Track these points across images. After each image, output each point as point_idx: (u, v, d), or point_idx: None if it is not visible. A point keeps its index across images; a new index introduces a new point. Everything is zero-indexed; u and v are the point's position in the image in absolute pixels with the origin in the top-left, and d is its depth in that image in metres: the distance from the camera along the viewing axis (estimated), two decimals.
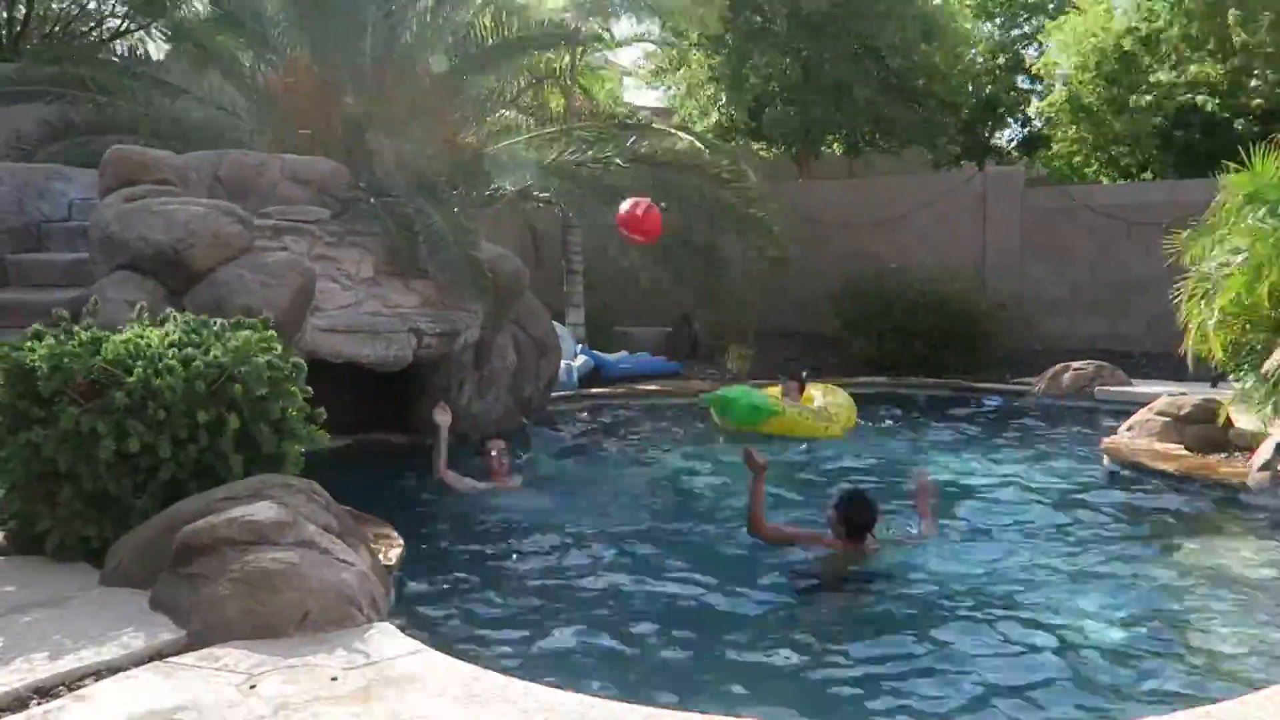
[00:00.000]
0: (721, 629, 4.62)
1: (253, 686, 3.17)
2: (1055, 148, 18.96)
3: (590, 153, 11.18)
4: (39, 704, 3.09)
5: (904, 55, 17.09)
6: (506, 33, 10.47)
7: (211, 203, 7.37)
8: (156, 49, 13.46)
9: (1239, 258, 6.92)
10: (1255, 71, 14.93)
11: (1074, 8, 17.29)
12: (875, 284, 13.75)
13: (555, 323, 11.39)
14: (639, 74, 20.15)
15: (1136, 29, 15.99)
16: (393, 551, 4.99)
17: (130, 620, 3.70)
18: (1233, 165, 7.33)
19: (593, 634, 4.53)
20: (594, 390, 12.09)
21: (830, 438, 9.55)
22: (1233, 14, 14.33)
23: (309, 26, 10.15)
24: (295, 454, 4.86)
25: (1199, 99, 15.23)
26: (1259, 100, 14.95)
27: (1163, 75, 15.50)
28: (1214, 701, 3.39)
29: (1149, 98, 15.66)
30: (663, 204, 11.33)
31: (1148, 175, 16.89)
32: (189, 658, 3.42)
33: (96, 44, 15.18)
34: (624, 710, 3.15)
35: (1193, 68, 15.18)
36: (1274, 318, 6.79)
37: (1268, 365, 6.48)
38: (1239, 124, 14.82)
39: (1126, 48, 16.01)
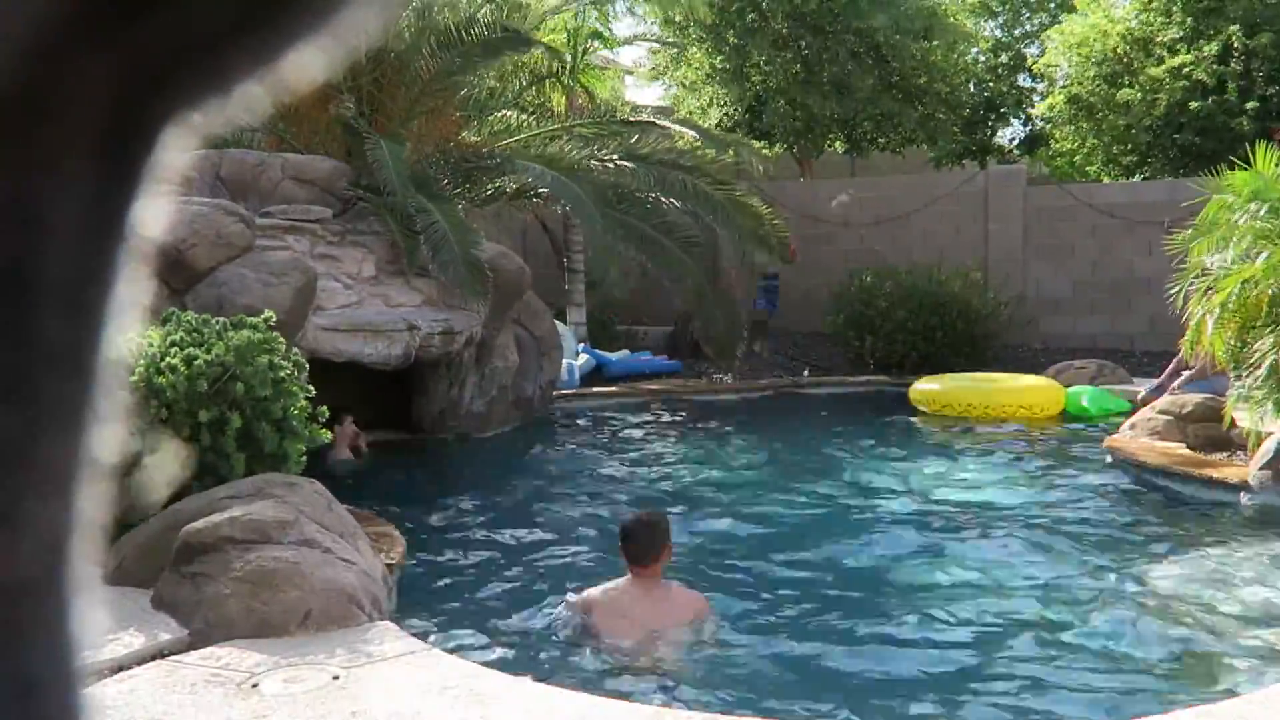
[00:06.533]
0: (728, 629, 4.62)
1: (255, 685, 3.17)
2: (1056, 146, 18.94)
3: (591, 150, 11.19)
4: None
5: (900, 51, 17.10)
6: (479, 32, 10.39)
7: (214, 202, 7.38)
8: None
9: (1228, 255, 6.91)
10: (1254, 72, 14.94)
11: (1073, 10, 17.29)
12: (877, 282, 13.75)
13: (557, 321, 11.40)
14: (640, 73, 20.15)
15: (1136, 30, 16.00)
16: (394, 550, 5.00)
17: (132, 619, 3.71)
18: (1237, 164, 7.33)
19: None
20: (595, 389, 12.09)
21: None
22: (1233, 30, 14.43)
23: None
24: (297, 453, 4.87)
25: (1197, 99, 15.23)
26: (1258, 101, 14.93)
27: (1161, 75, 15.50)
28: (1214, 701, 3.39)
29: (1148, 97, 15.66)
30: (665, 200, 11.38)
31: (1148, 174, 16.89)
32: (191, 656, 3.42)
33: None
34: (624, 710, 3.15)
35: (1193, 69, 15.17)
36: (1275, 315, 6.79)
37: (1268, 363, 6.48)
38: (1238, 123, 14.81)
39: (1126, 48, 16.02)
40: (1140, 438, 8.19)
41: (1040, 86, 20.06)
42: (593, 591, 4.34)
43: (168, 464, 4.17)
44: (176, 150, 0.28)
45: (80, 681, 0.28)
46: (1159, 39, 15.75)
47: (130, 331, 0.28)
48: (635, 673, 3.98)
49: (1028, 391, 10.28)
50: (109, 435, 0.28)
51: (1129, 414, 9.45)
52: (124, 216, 0.28)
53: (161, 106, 0.27)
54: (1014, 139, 22.00)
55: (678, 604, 4.30)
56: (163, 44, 0.25)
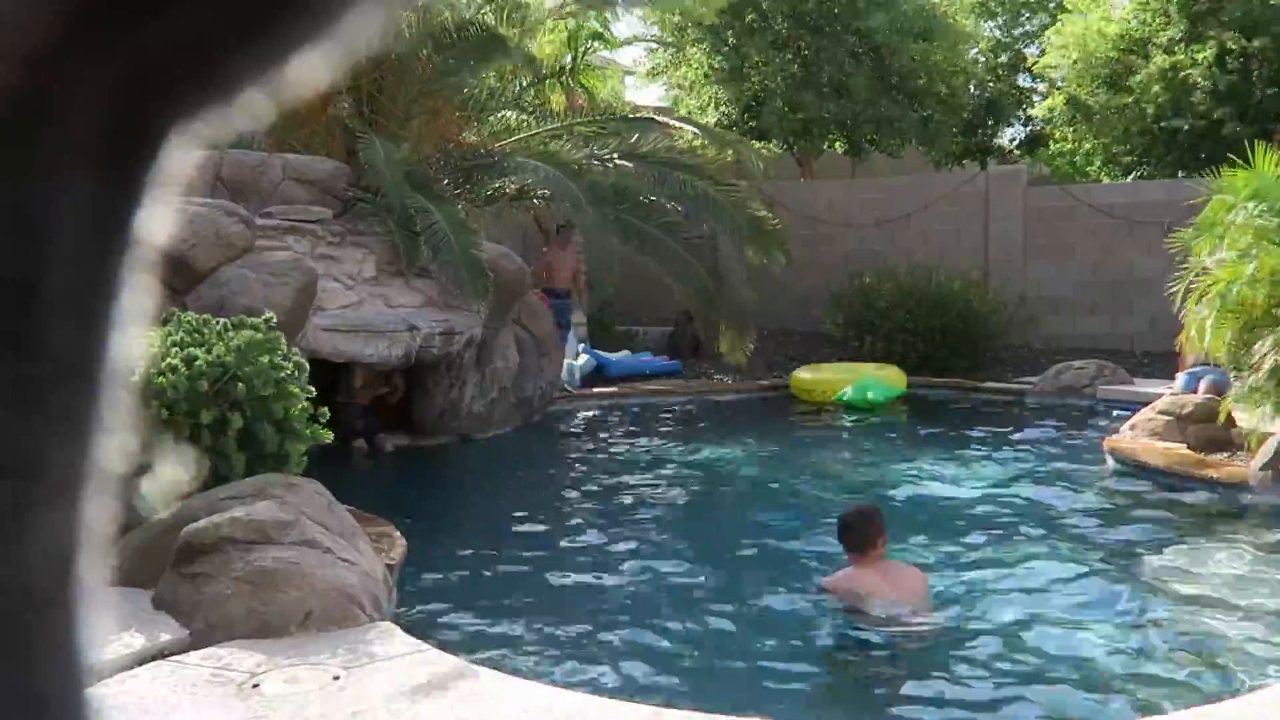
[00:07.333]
0: (726, 629, 4.62)
1: (255, 685, 3.17)
2: (1056, 146, 18.93)
3: (591, 149, 11.18)
4: None
5: (899, 52, 17.10)
6: (474, 34, 10.36)
7: (214, 203, 7.38)
8: None
9: (1224, 254, 6.92)
10: (1253, 74, 14.93)
11: (1069, 10, 17.28)
12: (877, 283, 13.75)
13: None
14: (639, 72, 20.14)
15: (1134, 31, 16.00)
16: (395, 551, 5.00)
17: (133, 620, 3.71)
18: (1238, 163, 7.33)
19: (594, 633, 4.54)
20: (596, 390, 12.09)
21: None
22: (1230, 36, 14.44)
23: None
24: (298, 453, 4.87)
25: (1197, 100, 15.22)
26: (1256, 103, 14.93)
27: (1159, 75, 15.49)
28: (1214, 701, 3.39)
29: (1147, 98, 15.66)
30: (666, 200, 11.38)
31: (1148, 174, 16.89)
32: (192, 657, 3.43)
33: None
34: (624, 709, 3.15)
35: (1191, 70, 15.17)
36: (1275, 315, 6.78)
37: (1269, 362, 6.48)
38: (1237, 126, 14.80)
39: (1124, 49, 16.01)
40: (1140, 438, 8.19)
41: (1040, 87, 20.06)
42: (838, 577, 4.75)
43: (175, 474, 4.18)
44: (179, 157, 0.28)
45: (88, 690, 0.28)
46: (1156, 40, 15.75)
47: (135, 338, 0.28)
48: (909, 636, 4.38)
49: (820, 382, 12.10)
50: (116, 444, 0.28)
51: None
52: (127, 224, 0.28)
53: (163, 114, 0.27)
54: (1014, 140, 22.01)
55: (913, 574, 4.79)
56: (164, 51, 0.25)
